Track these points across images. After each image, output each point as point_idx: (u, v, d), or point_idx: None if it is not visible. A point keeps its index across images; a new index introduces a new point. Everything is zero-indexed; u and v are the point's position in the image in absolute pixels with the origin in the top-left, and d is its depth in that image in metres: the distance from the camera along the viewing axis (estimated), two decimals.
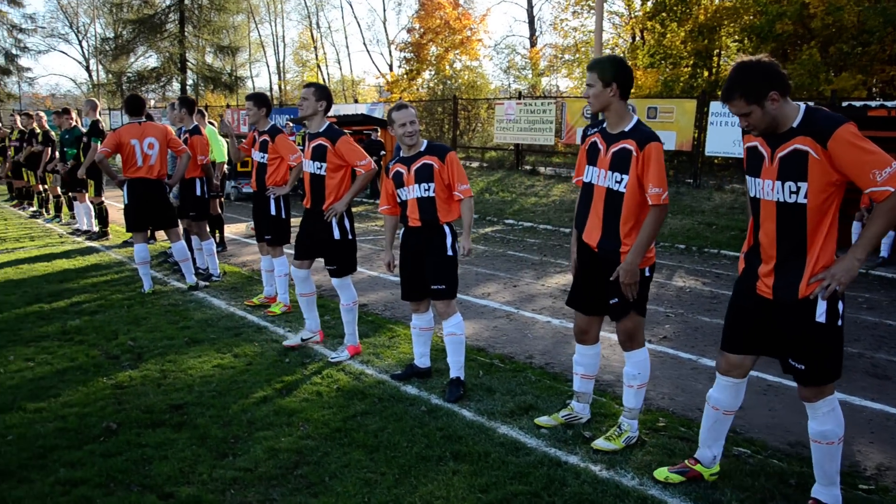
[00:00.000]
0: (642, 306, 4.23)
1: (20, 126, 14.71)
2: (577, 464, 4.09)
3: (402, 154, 5.20)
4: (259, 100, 7.13)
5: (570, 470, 4.00)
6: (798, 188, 3.29)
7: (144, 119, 8.00)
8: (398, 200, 5.24)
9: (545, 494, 3.73)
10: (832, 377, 3.44)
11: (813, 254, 3.34)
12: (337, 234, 5.84)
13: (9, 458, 4.02)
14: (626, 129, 4.08)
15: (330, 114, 6.00)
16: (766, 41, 18.98)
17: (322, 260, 6.02)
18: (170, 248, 9.84)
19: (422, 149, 5.14)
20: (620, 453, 4.22)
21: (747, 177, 3.55)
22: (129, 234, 11.56)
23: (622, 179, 4.04)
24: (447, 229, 5.13)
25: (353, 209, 6.19)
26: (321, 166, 5.79)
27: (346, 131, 5.94)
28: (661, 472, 3.93)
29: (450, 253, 5.11)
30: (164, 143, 7.94)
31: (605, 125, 4.21)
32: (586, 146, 4.30)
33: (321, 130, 5.82)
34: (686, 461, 3.98)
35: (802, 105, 3.32)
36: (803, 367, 3.42)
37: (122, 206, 8.07)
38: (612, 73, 4.04)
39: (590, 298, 4.37)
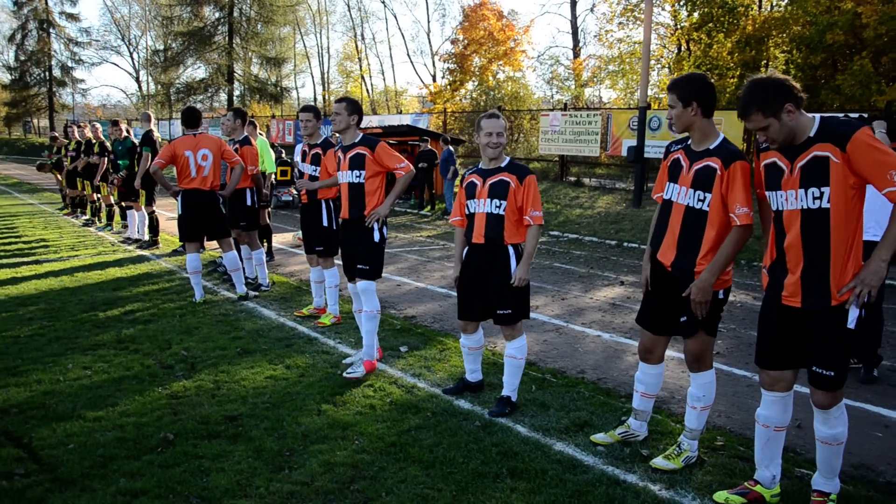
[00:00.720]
0: (713, 327, 4.15)
1: (77, 137, 15.07)
2: (636, 483, 4.01)
3: (480, 165, 5.12)
4: (317, 112, 7.21)
5: (629, 489, 3.92)
6: (821, 193, 3.37)
7: (200, 131, 8.14)
8: (466, 212, 5.15)
9: None
10: (844, 382, 3.55)
11: (839, 259, 3.40)
12: (377, 238, 5.88)
13: (71, 466, 4.07)
14: (711, 147, 4.01)
15: (374, 124, 6.10)
16: (816, 52, 18.63)
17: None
18: (219, 257, 9.99)
19: (503, 164, 5.02)
20: (680, 473, 4.13)
21: (767, 192, 3.62)
22: (179, 244, 11.77)
23: (705, 198, 3.96)
24: (511, 251, 4.98)
25: (396, 219, 6.19)
26: (360, 175, 5.87)
27: (381, 140, 6.02)
28: (721, 495, 3.84)
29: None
30: (218, 154, 8.07)
31: (689, 142, 4.14)
32: (668, 162, 4.23)
33: (356, 141, 5.92)
34: (746, 483, 3.90)
35: (817, 116, 3.42)
36: (832, 374, 3.48)
37: (177, 216, 8.20)
38: (691, 92, 3.98)
39: (659, 318, 4.30)
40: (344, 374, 5.70)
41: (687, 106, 3.97)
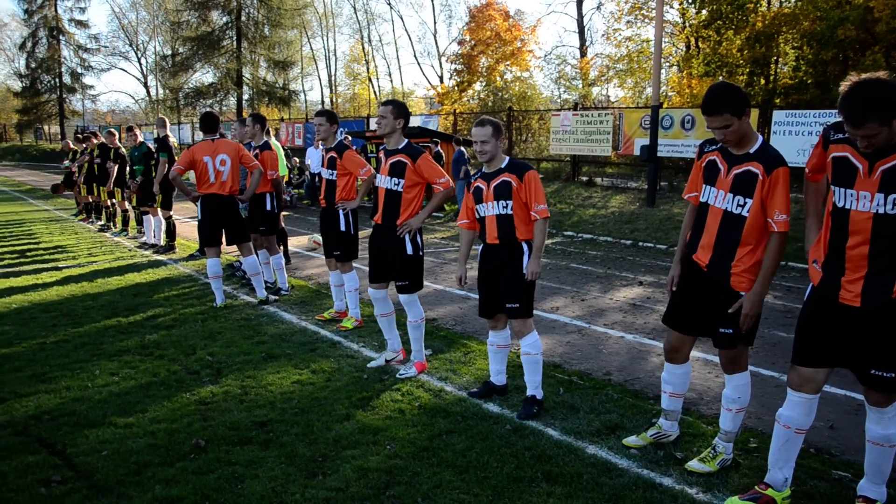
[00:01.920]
0: (752, 337, 4.13)
1: (94, 142, 15.05)
2: (673, 486, 3.99)
3: (483, 169, 5.17)
4: (330, 116, 7.18)
5: (666, 493, 3.91)
6: None
7: (218, 136, 8.16)
8: (477, 216, 5.22)
9: None
10: None
11: None
12: (409, 250, 5.82)
13: (106, 473, 4.08)
14: (752, 151, 3.94)
15: None
16: (827, 47, 18.55)
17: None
18: (236, 261, 10.02)
19: (502, 165, 5.11)
20: (716, 476, 4.11)
21: (833, 187, 3.46)
22: (195, 248, 11.81)
23: (745, 203, 3.92)
24: (525, 247, 5.07)
25: None
26: (399, 183, 5.79)
27: (423, 149, 5.93)
28: (733, 502, 3.77)
29: (525, 271, 5.05)
30: (237, 159, 8.08)
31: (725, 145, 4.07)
32: (703, 163, 4.17)
33: (400, 147, 5.83)
34: (756, 487, 3.84)
35: None
36: (894, 375, 3.40)
37: (196, 222, 8.22)
38: (742, 102, 3.83)
39: (689, 317, 4.27)
40: (397, 375, 5.82)
41: (742, 115, 3.85)
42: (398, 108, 5.84)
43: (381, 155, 5.99)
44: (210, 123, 8.23)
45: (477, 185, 5.17)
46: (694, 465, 4.17)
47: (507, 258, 5.08)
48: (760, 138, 3.98)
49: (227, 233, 8.27)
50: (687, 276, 4.27)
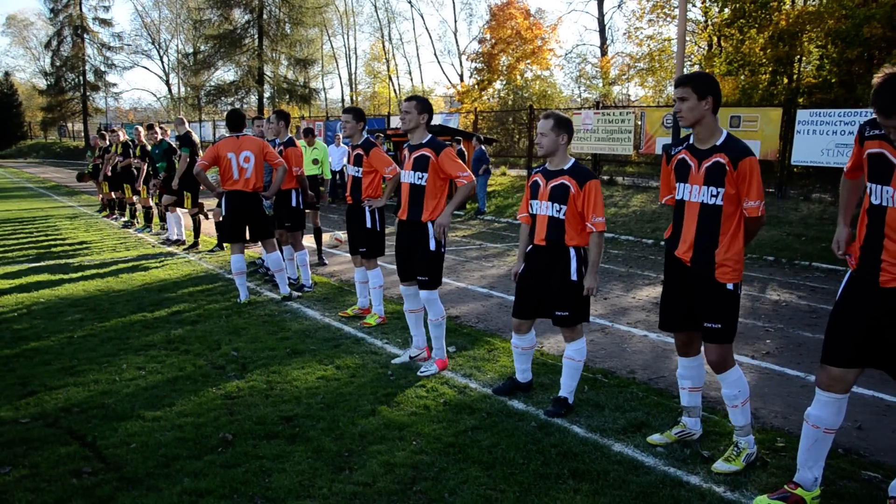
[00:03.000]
0: (733, 332, 4.19)
1: (120, 139, 15.20)
2: (700, 484, 3.98)
3: (546, 165, 5.05)
4: (357, 114, 7.20)
5: (693, 491, 3.89)
6: None
7: (243, 133, 8.22)
8: (530, 211, 5.12)
9: None
10: None
11: None
12: (433, 246, 5.81)
13: (136, 465, 4.13)
14: (718, 144, 4.07)
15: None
16: (852, 46, 18.35)
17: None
18: (259, 257, 10.08)
19: (565, 167, 4.94)
20: (743, 474, 4.09)
21: (869, 184, 3.45)
22: (214, 243, 11.89)
23: (718, 193, 4.03)
24: (573, 253, 4.91)
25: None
26: (422, 177, 5.78)
27: (447, 143, 5.90)
28: (762, 501, 3.75)
29: (573, 278, 4.90)
30: (261, 156, 8.14)
31: (691, 141, 4.19)
32: (673, 165, 4.28)
33: (424, 142, 5.82)
34: (785, 486, 3.81)
35: None
36: None
37: (220, 218, 8.31)
38: (708, 85, 4.06)
39: (682, 315, 4.32)
40: (419, 373, 5.81)
41: (702, 99, 4.03)
42: (422, 104, 5.84)
43: (406, 151, 5.99)
44: (236, 121, 8.29)
45: (535, 179, 5.05)
46: (720, 466, 4.14)
47: (551, 262, 4.95)
48: (725, 132, 4.11)
49: (250, 229, 8.32)
50: (672, 274, 4.34)
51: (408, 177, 5.86)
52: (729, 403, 4.26)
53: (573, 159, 5.00)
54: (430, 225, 5.80)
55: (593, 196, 4.83)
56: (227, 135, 8.27)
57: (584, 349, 5.10)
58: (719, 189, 4.01)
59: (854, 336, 3.50)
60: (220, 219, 8.53)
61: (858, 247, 3.52)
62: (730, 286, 4.09)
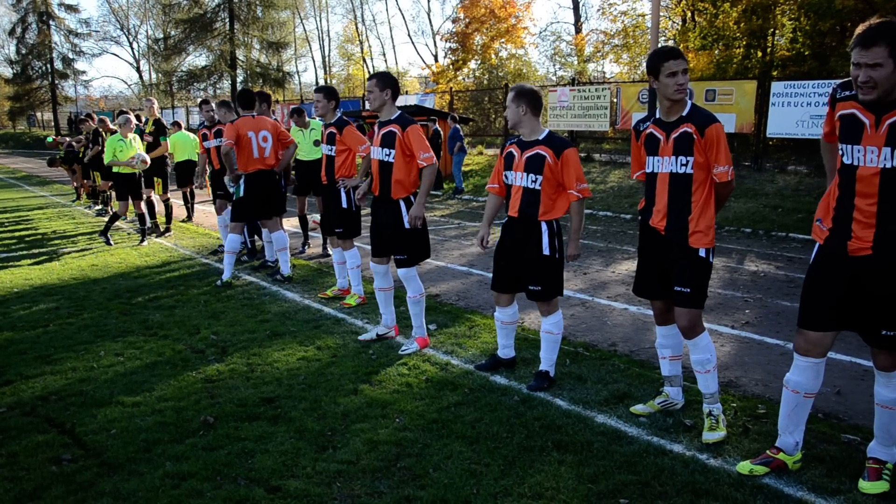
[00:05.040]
0: (703, 297, 4.24)
1: (91, 126, 14.96)
2: (683, 452, 4.00)
3: (521, 136, 5.01)
4: (328, 92, 7.13)
5: (677, 458, 3.91)
6: None
7: (256, 113, 8.30)
8: (504, 182, 5.09)
9: (656, 483, 3.65)
10: None
11: None
12: (407, 224, 5.77)
13: (116, 451, 4.08)
14: (684, 114, 4.14)
15: None
16: (825, 18, 18.40)
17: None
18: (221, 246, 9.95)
19: (540, 137, 4.91)
20: (727, 441, 4.12)
21: (841, 145, 3.47)
22: (194, 230, 11.70)
23: (688, 161, 4.10)
24: (545, 227, 4.88)
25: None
26: (390, 153, 5.72)
27: (416, 121, 5.83)
28: (745, 466, 3.79)
29: (546, 252, 4.87)
30: (276, 135, 8.27)
31: (657, 115, 4.26)
32: (642, 140, 4.34)
33: (392, 118, 5.76)
34: (768, 451, 3.86)
35: None
36: None
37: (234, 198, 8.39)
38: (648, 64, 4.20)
39: (657, 283, 4.40)
40: (399, 351, 5.80)
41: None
42: (383, 80, 5.76)
43: (375, 127, 5.94)
44: (249, 100, 8.32)
45: (510, 150, 5.01)
46: (707, 436, 4.15)
47: (524, 237, 4.93)
48: (690, 103, 4.16)
49: (271, 206, 8.43)
50: (646, 243, 4.42)
51: (376, 153, 5.82)
52: (700, 369, 4.29)
53: (547, 129, 4.98)
54: (401, 202, 5.75)
55: (572, 165, 4.81)
56: (245, 113, 8.22)
57: (560, 322, 5.11)
58: (688, 158, 4.08)
59: (829, 300, 3.54)
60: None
61: (832, 207, 3.54)
62: (702, 252, 4.13)
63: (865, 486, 3.57)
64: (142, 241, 11.28)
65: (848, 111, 3.42)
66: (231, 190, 8.74)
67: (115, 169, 10.86)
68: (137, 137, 11.20)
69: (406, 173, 5.75)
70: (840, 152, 3.48)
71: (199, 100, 10.39)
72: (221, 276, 8.37)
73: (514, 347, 5.48)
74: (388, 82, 5.77)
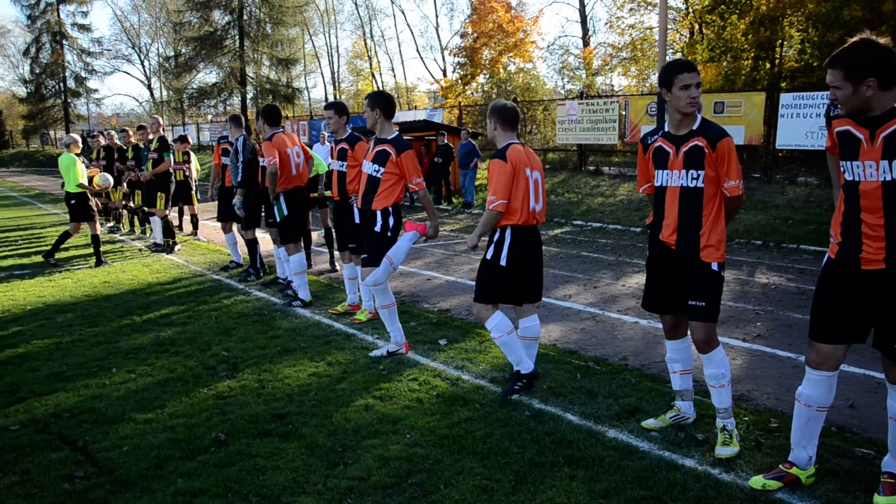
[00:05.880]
0: (717, 310, 4.23)
1: (101, 143, 15.09)
2: (696, 467, 3.98)
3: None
4: (339, 108, 7.19)
5: (689, 473, 3.89)
6: None
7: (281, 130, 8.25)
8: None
9: (668, 499, 3.63)
10: None
11: None
12: (378, 228, 6.08)
13: (128, 468, 4.09)
14: (694, 128, 4.13)
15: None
16: (833, 29, 18.38)
17: (401, 266, 6.16)
18: (231, 261, 9.99)
19: (388, 137, 5.92)
20: (739, 455, 4.09)
21: (842, 162, 3.50)
22: (230, 258, 11.51)
23: (699, 175, 4.09)
24: (497, 235, 5.13)
25: (418, 214, 6.20)
26: (379, 170, 6.05)
27: (412, 145, 6.17)
28: (758, 481, 3.76)
29: (488, 256, 5.21)
30: (304, 151, 8.30)
31: (666, 129, 4.25)
32: (650, 154, 4.33)
33: (389, 138, 6.05)
34: (781, 465, 3.83)
35: None
36: None
37: (279, 219, 8.11)
38: (660, 77, 4.21)
39: (668, 297, 4.38)
40: (369, 354, 6.04)
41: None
42: (371, 100, 6.14)
43: (371, 142, 6.15)
44: (276, 116, 8.27)
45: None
46: (721, 451, 4.11)
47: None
48: (700, 116, 4.15)
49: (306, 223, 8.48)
50: (656, 258, 4.38)
51: (367, 167, 6.14)
52: (715, 384, 4.26)
53: (506, 142, 5.15)
54: (378, 213, 6.06)
55: (488, 174, 5.18)
56: (274, 130, 8.01)
57: (499, 324, 5.13)
58: (699, 172, 4.07)
59: (840, 313, 3.52)
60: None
61: (839, 222, 3.55)
62: (714, 266, 4.12)
63: (880, 500, 3.53)
64: (98, 263, 10.90)
65: (843, 128, 3.46)
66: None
67: (74, 189, 10.65)
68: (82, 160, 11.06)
69: (390, 191, 6.08)
70: (842, 169, 3.51)
71: (209, 116, 10.48)
72: (300, 297, 8.11)
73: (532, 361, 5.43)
74: (376, 101, 6.08)
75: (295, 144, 8.15)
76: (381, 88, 50.62)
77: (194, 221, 14.16)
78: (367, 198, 6.12)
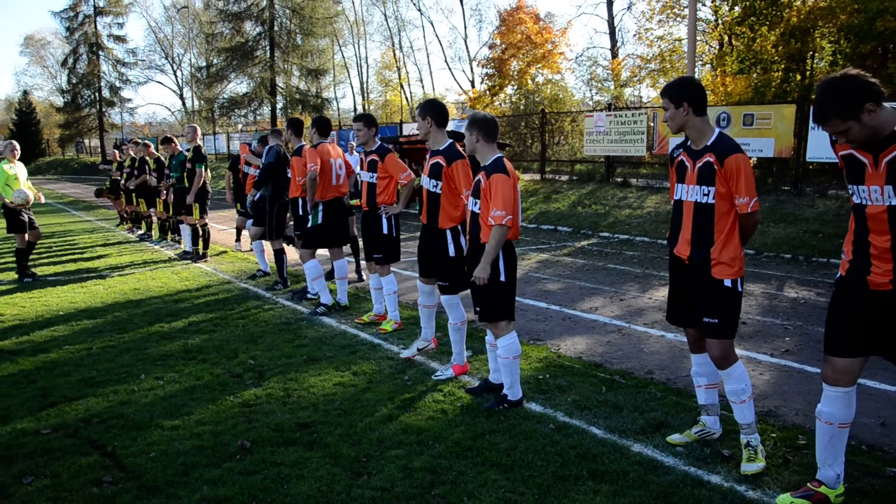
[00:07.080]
0: (734, 328, 4.21)
1: (132, 154, 15.41)
2: (721, 483, 3.94)
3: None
4: (368, 120, 7.23)
5: (714, 490, 3.86)
6: None
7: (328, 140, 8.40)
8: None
9: None
10: None
11: None
12: (452, 252, 5.82)
13: (155, 474, 4.14)
14: (709, 144, 4.14)
15: (416, 131, 6.19)
16: (865, 40, 18.18)
17: (418, 279, 6.22)
18: (259, 270, 10.07)
19: (440, 148, 5.80)
20: (765, 472, 4.05)
21: (849, 185, 3.50)
22: (258, 266, 11.79)
23: (709, 192, 4.09)
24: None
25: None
26: (437, 185, 5.82)
27: (464, 154, 5.83)
28: (785, 499, 3.71)
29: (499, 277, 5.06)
30: (345, 163, 8.38)
31: (689, 143, 4.26)
32: (675, 166, 4.36)
33: (440, 149, 5.87)
34: (809, 483, 3.77)
35: None
36: None
37: (311, 225, 8.25)
38: (681, 94, 4.13)
39: (686, 311, 4.37)
40: (433, 376, 5.85)
41: (679, 107, 4.12)
42: (423, 109, 5.96)
43: (428, 154, 6.05)
44: (327, 126, 8.40)
45: (479, 178, 5.15)
46: (746, 468, 4.08)
47: (474, 259, 5.15)
48: (717, 131, 4.15)
49: (345, 233, 8.47)
50: (675, 271, 4.41)
51: (425, 182, 5.96)
52: (735, 400, 4.23)
53: (493, 155, 5.13)
54: (448, 232, 5.82)
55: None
56: (321, 140, 8.18)
57: (510, 346, 5.12)
58: (710, 188, 4.08)
59: (853, 326, 3.52)
60: None
61: (850, 241, 3.55)
62: (727, 282, 4.10)
63: None
64: (21, 278, 10.53)
65: (847, 152, 3.46)
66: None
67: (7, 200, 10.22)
68: (23, 167, 10.63)
69: (454, 206, 5.84)
70: (850, 192, 3.50)
71: (239, 126, 10.59)
72: (323, 303, 8.29)
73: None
74: (427, 110, 5.89)
75: (339, 157, 8.25)
76: (409, 99, 50.87)
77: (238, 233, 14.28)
78: (432, 215, 5.90)
